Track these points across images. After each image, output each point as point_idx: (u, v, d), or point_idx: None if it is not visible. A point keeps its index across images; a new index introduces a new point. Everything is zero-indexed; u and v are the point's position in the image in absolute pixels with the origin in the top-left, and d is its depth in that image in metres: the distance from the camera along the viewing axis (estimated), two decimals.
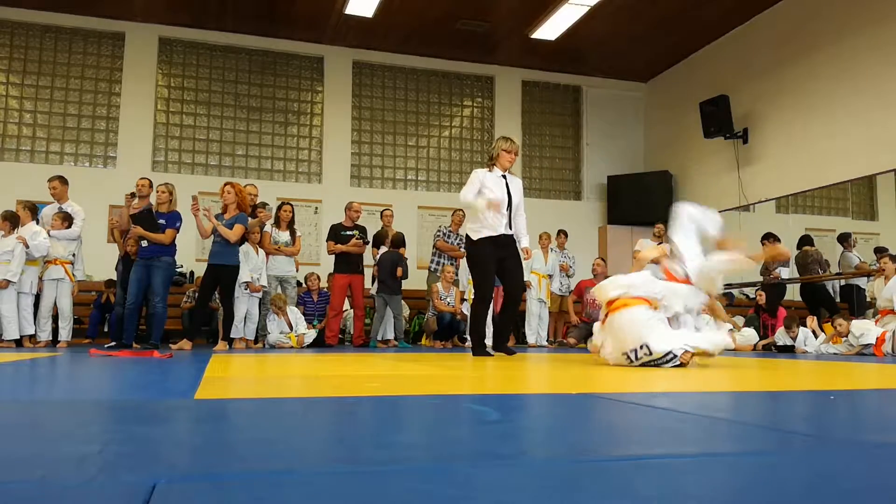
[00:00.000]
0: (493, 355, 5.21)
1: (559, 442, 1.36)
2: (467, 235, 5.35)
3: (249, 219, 6.83)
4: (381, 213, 8.92)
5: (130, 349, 5.98)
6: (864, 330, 6.70)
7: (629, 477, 0.99)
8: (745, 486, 0.95)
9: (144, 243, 6.30)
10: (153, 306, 6.35)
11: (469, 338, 5.74)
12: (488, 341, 8.46)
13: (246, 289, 6.86)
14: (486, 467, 1.06)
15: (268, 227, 7.47)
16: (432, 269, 8.67)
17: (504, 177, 5.27)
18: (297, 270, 7.90)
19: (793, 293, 9.26)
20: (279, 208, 7.77)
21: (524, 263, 5.61)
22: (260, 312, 7.19)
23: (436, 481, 0.94)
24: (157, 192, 6.52)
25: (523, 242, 5.38)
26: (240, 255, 6.68)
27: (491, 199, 5.05)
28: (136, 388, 2.60)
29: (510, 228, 5.25)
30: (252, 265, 6.93)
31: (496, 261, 5.20)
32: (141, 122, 9.95)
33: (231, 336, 6.78)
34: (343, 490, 0.88)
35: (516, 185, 5.36)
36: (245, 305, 6.89)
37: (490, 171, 5.28)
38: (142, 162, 9.78)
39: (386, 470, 1.02)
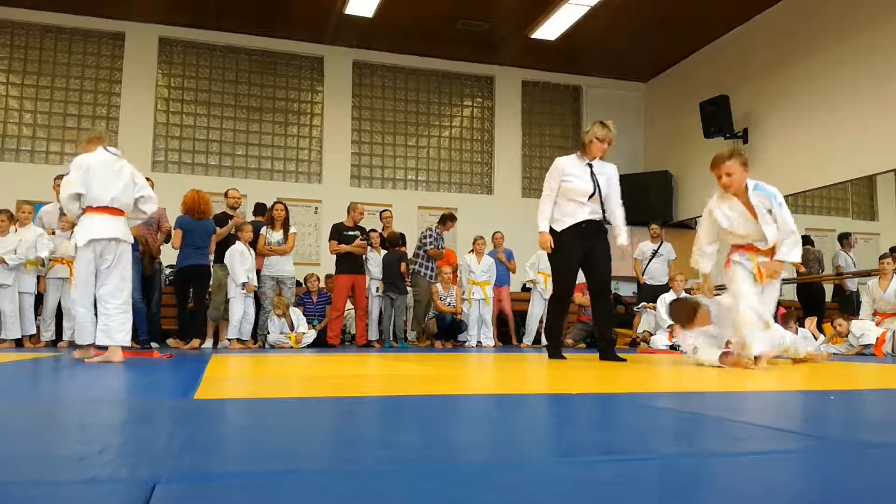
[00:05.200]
0: (566, 359, 4.77)
1: (560, 442, 1.36)
2: (551, 228, 4.84)
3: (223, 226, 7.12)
4: (381, 213, 8.91)
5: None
6: (864, 330, 6.70)
7: (628, 477, 0.99)
8: (745, 486, 0.95)
9: None
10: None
11: (546, 339, 5.43)
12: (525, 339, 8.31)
13: (243, 289, 6.87)
14: (487, 467, 1.06)
15: (263, 230, 7.41)
16: (422, 274, 8.15)
17: (590, 165, 4.84)
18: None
19: (791, 293, 9.26)
20: (271, 208, 7.66)
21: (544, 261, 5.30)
22: (258, 312, 7.19)
23: (436, 481, 0.94)
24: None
25: (621, 238, 4.81)
26: (236, 255, 6.86)
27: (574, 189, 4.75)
28: (136, 388, 2.60)
29: (597, 216, 4.77)
30: (248, 265, 6.95)
31: (582, 252, 4.71)
32: (141, 122, 9.94)
33: (229, 336, 6.83)
34: (343, 490, 0.88)
35: (607, 173, 4.87)
36: (241, 306, 6.89)
37: (578, 157, 4.88)
38: (142, 162, 9.75)
39: (386, 470, 1.02)
